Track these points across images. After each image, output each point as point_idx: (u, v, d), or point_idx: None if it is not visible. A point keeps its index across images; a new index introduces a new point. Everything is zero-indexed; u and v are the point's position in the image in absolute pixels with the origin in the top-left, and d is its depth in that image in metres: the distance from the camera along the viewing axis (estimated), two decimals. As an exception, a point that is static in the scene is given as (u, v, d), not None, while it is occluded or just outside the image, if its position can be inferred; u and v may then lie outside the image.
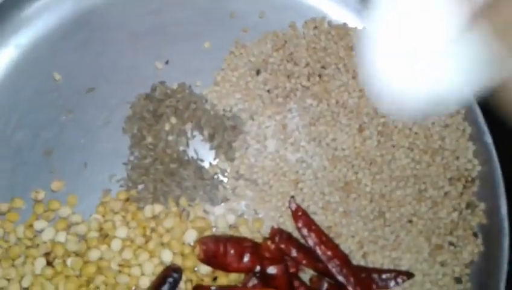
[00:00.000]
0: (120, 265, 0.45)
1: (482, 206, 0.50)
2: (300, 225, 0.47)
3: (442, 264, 0.49)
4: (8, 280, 0.45)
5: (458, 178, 0.50)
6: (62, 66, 0.53)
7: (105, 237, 0.46)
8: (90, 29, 0.54)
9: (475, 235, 0.50)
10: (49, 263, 0.45)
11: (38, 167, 0.49)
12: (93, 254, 0.45)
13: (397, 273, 0.48)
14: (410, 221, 0.49)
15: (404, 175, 0.50)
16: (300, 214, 0.47)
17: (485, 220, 0.50)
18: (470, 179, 0.51)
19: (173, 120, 0.51)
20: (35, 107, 0.51)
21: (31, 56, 0.53)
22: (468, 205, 0.50)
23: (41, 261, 0.45)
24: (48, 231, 0.46)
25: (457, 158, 0.51)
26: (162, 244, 0.46)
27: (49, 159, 0.50)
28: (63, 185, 0.49)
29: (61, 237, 0.46)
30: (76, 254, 0.46)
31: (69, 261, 0.45)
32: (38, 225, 0.47)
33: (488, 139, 0.50)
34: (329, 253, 0.46)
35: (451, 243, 0.49)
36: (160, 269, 0.45)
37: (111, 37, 0.54)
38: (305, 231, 0.47)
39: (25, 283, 0.45)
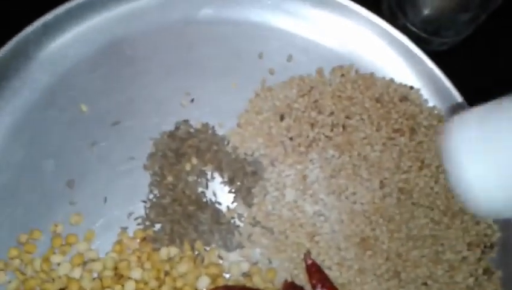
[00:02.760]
0: (133, 307, 0.45)
1: (498, 273, 0.49)
2: (314, 281, 0.46)
3: (455, 329, 0.48)
4: (22, 312, 0.45)
5: (477, 243, 0.49)
6: (89, 97, 0.52)
7: (120, 277, 0.45)
8: (119, 62, 0.54)
9: (490, 302, 0.49)
10: (63, 299, 0.45)
11: (59, 198, 0.49)
12: (107, 294, 0.45)
13: (408, 336, 0.47)
14: (426, 283, 0.48)
15: (422, 235, 0.49)
16: (314, 270, 0.46)
17: (501, 288, 0.49)
18: (488, 245, 0.49)
19: (194, 161, 0.51)
20: (60, 138, 0.51)
21: (60, 86, 0.52)
22: (485, 271, 0.49)
23: (56, 297, 0.45)
24: (64, 265, 0.46)
25: (478, 223, 0.49)
26: (175, 288, 0.46)
27: (70, 190, 0.49)
28: (82, 219, 0.48)
29: (77, 273, 0.45)
30: (90, 293, 0.45)
31: (83, 299, 0.45)
32: (55, 258, 0.46)
33: (510, 205, 0.49)
34: (341, 311, 0.46)
35: (465, 309, 0.48)
36: (171, 313, 0.45)
37: (139, 71, 0.54)
38: (318, 288, 0.46)
39: (38, 318, 0.44)
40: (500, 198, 0.29)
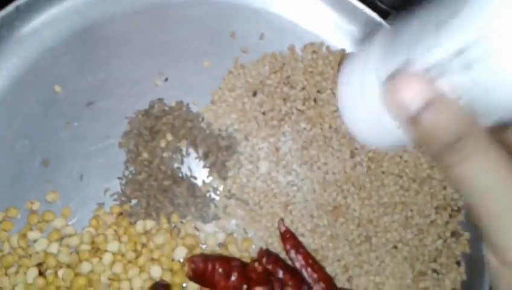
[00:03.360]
0: (110, 279, 0.45)
1: (466, 235, 0.51)
2: (288, 246, 0.47)
3: (425, 290, 0.49)
4: (1, 288, 0.45)
5: (444, 207, 0.51)
6: (63, 78, 0.53)
7: (96, 250, 0.46)
8: (92, 44, 0.54)
9: (458, 263, 0.50)
10: (41, 274, 0.45)
11: (35, 177, 0.49)
12: (85, 267, 0.45)
13: (380, 298, 0.48)
14: (396, 247, 0.50)
15: (392, 202, 0.51)
16: (288, 236, 0.48)
17: (468, 249, 0.50)
18: (455, 208, 0.51)
19: (169, 137, 0.51)
20: (35, 118, 0.51)
21: (34, 68, 0.52)
22: (453, 234, 0.50)
23: (33, 271, 0.45)
24: (41, 241, 0.46)
25: (445, 188, 0.51)
26: (152, 260, 0.46)
27: (45, 169, 0.50)
28: (58, 197, 0.49)
29: (54, 248, 0.46)
30: (68, 266, 0.46)
31: (60, 272, 0.45)
32: (32, 235, 0.47)
33: (475, 170, 0.51)
34: (315, 275, 0.47)
35: (434, 270, 0.50)
36: (149, 284, 0.46)
37: (112, 52, 0.54)
38: (292, 253, 0.47)
39: (17, 292, 0.45)
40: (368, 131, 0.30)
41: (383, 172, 0.51)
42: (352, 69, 0.30)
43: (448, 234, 0.50)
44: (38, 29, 0.54)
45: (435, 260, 0.50)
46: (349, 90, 0.30)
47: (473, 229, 0.51)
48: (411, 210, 0.50)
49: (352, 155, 0.52)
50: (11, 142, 0.50)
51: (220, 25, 0.56)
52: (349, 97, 0.30)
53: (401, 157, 0.52)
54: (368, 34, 0.57)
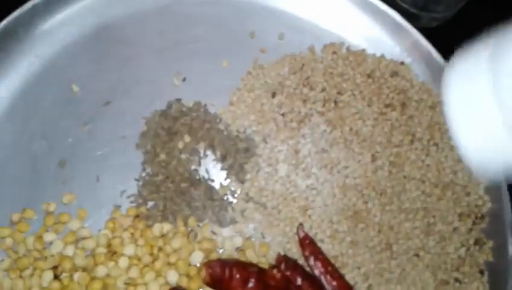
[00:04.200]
0: (126, 283, 0.44)
1: (490, 243, 0.49)
2: (307, 253, 0.46)
3: (447, 299, 0.48)
4: (15, 290, 0.45)
5: (468, 214, 0.49)
6: (81, 78, 0.52)
7: (113, 253, 0.45)
8: (110, 43, 0.54)
9: (481, 272, 0.48)
10: (57, 277, 0.45)
11: (52, 178, 0.49)
12: (100, 271, 0.44)
13: (401, 306, 0.47)
14: (417, 255, 0.48)
15: (414, 207, 0.49)
16: (307, 243, 0.46)
17: (492, 258, 0.49)
18: (479, 215, 0.49)
19: (187, 138, 0.50)
20: (52, 118, 0.50)
21: (51, 67, 0.52)
22: (476, 242, 0.49)
23: (48, 274, 0.44)
24: (56, 243, 0.46)
25: (468, 194, 0.50)
26: (169, 264, 0.45)
27: (62, 170, 0.49)
28: (75, 198, 0.48)
29: (70, 251, 0.45)
30: (84, 269, 0.45)
31: (76, 276, 0.44)
32: (48, 237, 0.46)
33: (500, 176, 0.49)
34: (334, 283, 0.45)
35: (457, 280, 0.48)
36: (165, 289, 0.45)
37: (130, 52, 0.53)
38: (311, 260, 0.46)
39: (32, 295, 0.44)
40: (488, 153, 0.28)
41: (405, 177, 0.50)
42: (469, 84, 0.28)
43: (471, 241, 0.49)
44: (56, 29, 0.53)
45: (457, 269, 0.48)
46: (467, 109, 0.28)
47: (496, 236, 0.49)
48: (433, 217, 0.49)
49: (374, 159, 0.50)
50: (27, 142, 0.50)
51: (238, 24, 0.55)
52: (468, 117, 0.28)
53: (423, 161, 0.50)
54: (387, 34, 0.56)
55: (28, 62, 0.52)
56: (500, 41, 0.28)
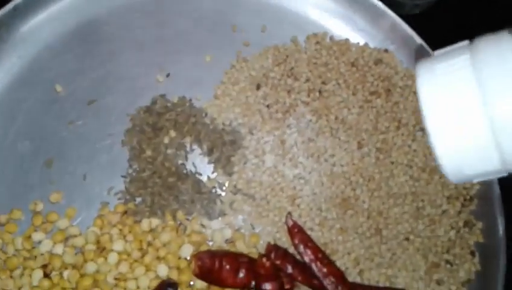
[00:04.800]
0: (116, 278, 0.45)
1: (479, 225, 0.49)
2: (296, 241, 0.46)
3: (439, 282, 0.48)
4: (6, 291, 0.45)
5: (456, 197, 0.49)
6: (64, 77, 0.52)
7: (102, 250, 0.45)
8: (92, 41, 0.54)
9: (472, 254, 0.49)
10: (46, 275, 0.45)
11: (38, 177, 0.49)
12: (90, 267, 0.45)
13: (393, 291, 0.47)
14: (407, 239, 0.48)
15: (402, 192, 0.49)
16: (296, 231, 0.47)
17: (482, 239, 0.49)
18: (468, 197, 0.50)
19: (172, 133, 0.51)
20: (36, 118, 0.50)
21: (33, 67, 0.52)
22: (466, 224, 0.49)
23: (38, 273, 0.44)
24: (45, 243, 0.46)
25: (456, 177, 0.50)
26: (158, 258, 0.46)
27: (49, 170, 0.49)
28: (62, 197, 0.48)
29: (59, 249, 0.45)
30: (73, 267, 0.45)
31: (65, 273, 0.44)
32: (36, 236, 0.46)
33: (487, 158, 0.50)
34: (325, 270, 0.46)
35: (448, 262, 0.48)
36: (155, 283, 0.45)
37: (113, 49, 0.54)
38: (301, 248, 0.46)
39: (22, 295, 0.44)
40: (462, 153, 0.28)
41: (392, 162, 0.50)
42: (449, 88, 0.28)
43: (461, 224, 0.49)
44: (37, 29, 0.53)
45: (448, 251, 0.48)
46: (444, 112, 0.28)
47: (486, 218, 0.49)
48: (422, 201, 0.49)
49: (360, 146, 0.50)
50: (12, 143, 0.50)
51: (220, 18, 0.56)
52: (444, 120, 0.28)
53: (409, 146, 0.51)
54: (370, 22, 0.56)
55: (10, 63, 0.52)
56: (483, 47, 0.28)
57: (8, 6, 0.52)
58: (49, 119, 0.51)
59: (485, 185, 0.50)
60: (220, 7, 0.56)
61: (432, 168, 0.50)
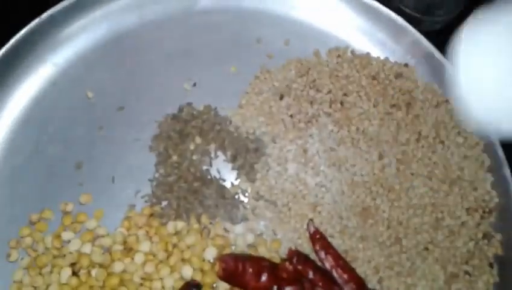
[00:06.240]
0: (142, 278, 0.46)
1: (498, 237, 0.50)
2: (317, 247, 0.48)
3: (458, 293, 0.49)
4: (35, 287, 0.46)
5: (475, 209, 0.51)
6: (95, 84, 0.55)
7: (129, 250, 0.47)
8: (123, 50, 0.57)
9: (491, 265, 0.50)
10: (75, 273, 0.47)
11: (69, 179, 0.51)
12: (117, 266, 0.46)
13: (412, 300, 0.48)
14: (427, 249, 0.49)
15: (422, 203, 0.51)
16: (318, 237, 0.48)
17: (501, 251, 0.50)
18: (487, 210, 0.51)
19: (198, 140, 0.53)
20: (68, 123, 0.53)
21: (67, 74, 0.55)
22: (485, 236, 0.50)
23: (67, 271, 0.46)
24: (74, 242, 0.48)
25: (475, 189, 0.51)
26: (183, 260, 0.47)
27: (79, 172, 0.51)
28: (91, 199, 0.50)
29: (87, 248, 0.47)
30: (101, 266, 0.47)
31: (93, 272, 0.46)
32: (66, 235, 0.48)
33: (507, 171, 0.51)
34: (345, 276, 0.47)
35: (466, 273, 0.49)
36: (180, 284, 0.46)
37: (143, 59, 0.56)
38: (322, 254, 0.47)
39: (51, 292, 0.46)
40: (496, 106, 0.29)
41: (412, 174, 0.52)
42: (483, 47, 0.29)
43: (480, 235, 0.50)
44: (71, 38, 0.56)
45: (466, 262, 0.49)
46: (480, 60, 0.29)
47: (505, 230, 0.50)
48: (441, 212, 0.50)
49: (381, 157, 0.52)
50: (45, 146, 0.52)
51: (245, 31, 0.58)
52: (479, 69, 0.29)
53: (429, 158, 0.52)
54: (391, 37, 0.58)
55: (45, 69, 0.55)
56: None
57: (45, 15, 0.55)
58: (80, 124, 0.53)
59: (505, 198, 0.51)
60: (246, 21, 0.58)
61: (451, 180, 0.51)
